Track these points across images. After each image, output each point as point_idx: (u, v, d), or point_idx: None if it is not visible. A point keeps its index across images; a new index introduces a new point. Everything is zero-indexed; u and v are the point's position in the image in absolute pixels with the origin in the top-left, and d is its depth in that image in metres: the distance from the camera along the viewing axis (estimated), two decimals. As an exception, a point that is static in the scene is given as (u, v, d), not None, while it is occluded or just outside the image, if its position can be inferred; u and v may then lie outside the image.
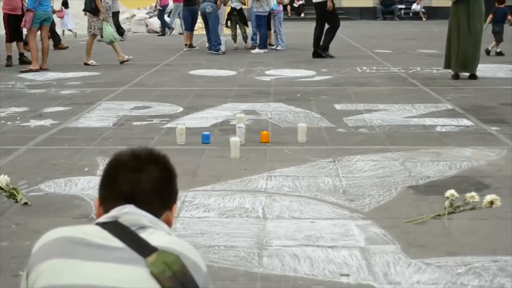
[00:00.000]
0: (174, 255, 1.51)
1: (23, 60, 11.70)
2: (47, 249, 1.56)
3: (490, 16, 12.72)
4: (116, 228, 1.56)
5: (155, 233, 1.57)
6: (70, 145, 5.56)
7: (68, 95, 8.31)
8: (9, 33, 11.63)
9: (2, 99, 8.02)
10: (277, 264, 3.08)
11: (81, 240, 1.54)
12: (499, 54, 12.67)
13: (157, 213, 1.65)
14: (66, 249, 1.53)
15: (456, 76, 9.32)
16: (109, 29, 11.58)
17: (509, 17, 13.13)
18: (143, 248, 1.51)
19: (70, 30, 19.83)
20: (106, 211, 1.63)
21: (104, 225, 1.58)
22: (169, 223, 1.71)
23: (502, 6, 13.09)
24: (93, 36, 11.90)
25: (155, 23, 21.04)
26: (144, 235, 1.56)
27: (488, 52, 12.52)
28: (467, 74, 9.29)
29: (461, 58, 9.21)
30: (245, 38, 15.27)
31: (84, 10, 12.30)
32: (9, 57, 11.66)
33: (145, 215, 1.61)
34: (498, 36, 12.86)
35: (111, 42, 11.75)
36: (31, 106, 7.50)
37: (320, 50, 12.42)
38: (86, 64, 11.67)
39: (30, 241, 1.52)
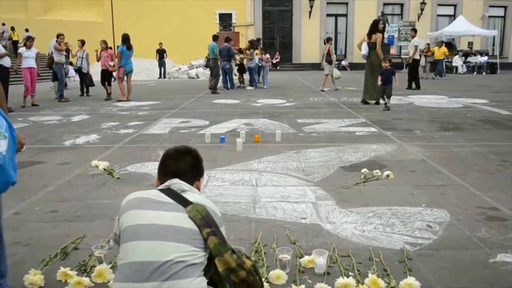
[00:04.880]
0: (202, 206, 1.57)
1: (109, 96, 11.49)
2: (129, 204, 1.61)
3: (380, 77, 8.40)
4: (168, 191, 1.62)
5: (191, 194, 1.63)
6: (144, 144, 5.55)
7: (142, 115, 8.28)
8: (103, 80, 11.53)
9: (105, 117, 7.99)
10: (264, 212, 3.09)
11: (147, 198, 1.60)
12: (387, 108, 8.33)
13: (191, 183, 1.69)
14: (139, 204, 1.59)
15: (365, 102, 9.36)
16: (338, 72, 12.76)
17: (395, 76, 8.40)
18: (184, 202, 1.57)
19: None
20: (162, 183, 1.69)
21: (161, 190, 1.64)
22: (198, 188, 1.76)
23: (389, 66, 8.41)
24: (326, 75, 12.63)
25: (193, 72, 20.94)
26: (184, 195, 1.61)
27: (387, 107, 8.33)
28: (373, 101, 9.32)
29: (369, 92, 9.27)
30: (243, 81, 15.18)
31: (325, 61, 12.75)
32: (109, 94, 11.54)
33: (185, 184, 1.66)
34: (387, 94, 8.31)
35: (338, 78, 12.64)
36: (121, 121, 7.47)
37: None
38: (322, 90, 12.29)
39: (120, 199, 1.55)
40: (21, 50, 10.16)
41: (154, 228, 1.50)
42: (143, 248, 1.47)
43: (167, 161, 1.73)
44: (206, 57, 15.32)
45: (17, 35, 21.12)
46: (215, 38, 13.08)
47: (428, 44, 19.77)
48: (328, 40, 12.85)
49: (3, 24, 20.65)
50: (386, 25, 23.63)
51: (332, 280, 2.13)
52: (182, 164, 1.71)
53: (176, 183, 1.65)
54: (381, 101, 8.76)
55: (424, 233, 2.70)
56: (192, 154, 1.77)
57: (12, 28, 21.36)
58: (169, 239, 1.48)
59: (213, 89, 12.52)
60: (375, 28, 9.27)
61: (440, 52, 17.56)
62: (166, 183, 1.66)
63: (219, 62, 12.84)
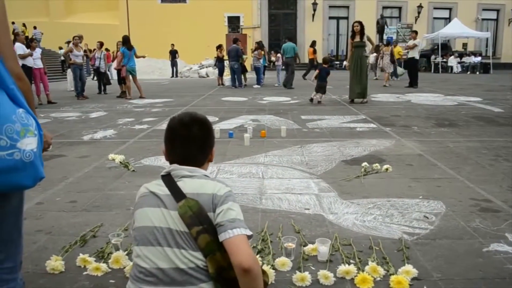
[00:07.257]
0: (195, 201, 1.32)
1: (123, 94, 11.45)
2: (141, 200, 1.42)
3: (317, 71, 9.01)
4: (167, 180, 1.40)
5: (189, 181, 1.38)
6: (157, 138, 5.53)
7: (155, 111, 8.28)
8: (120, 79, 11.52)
9: (121, 114, 8.00)
10: (270, 203, 3.07)
11: (153, 193, 1.39)
12: (320, 103, 8.83)
13: (201, 161, 1.47)
14: (148, 201, 1.39)
15: (352, 101, 9.04)
16: (401, 69, 13.82)
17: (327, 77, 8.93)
18: (178, 195, 1.34)
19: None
20: (169, 158, 1.49)
21: (162, 177, 1.42)
22: (211, 160, 1.53)
23: (327, 66, 9.07)
24: (389, 73, 13.71)
25: (203, 72, 20.93)
26: (182, 183, 1.37)
27: (312, 100, 8.98)
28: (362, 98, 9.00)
29: (358, 89, 8.99)
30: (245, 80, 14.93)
31: (389, 61, 13.84)
32: (123, 92, 11.50)
33: (184, 168, 1.41)
34: (322, 90, 8.91)
35: (401, 74, 13.36)
36: (136, 117, 7.47)
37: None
38: (383, 85, 13.02)
39: (136, 191, 1.49)
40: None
41: (155, 231, 1.33)
42: (150, 254, 1.33)
43: (174, 141, 1.47)
44: (215, 57, 15.28)
45: (28, 32, 21.22)
46: (290, 39, 13.93)
47: (383, 45, 19.41)
48: (388, 43, 13.29)
49: (13, 23, 20.57)
50: (385, 27, 23.60)
51: (334, 267, 2.11)
52: (192, 146, 1.44)
53: (175, 169, 1.41)
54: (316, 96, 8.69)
55: (421, 224, 2.67)
56: (203, 127, 1.52)
57: (24, 25, 21.43)
58: (169, 244, 1.30)
59: (289, 85, 12.95)
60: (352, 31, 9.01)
61: (395, 52, 17.07)
62: (169, 169, 1.43)
63: (294, 61, 13.31)
